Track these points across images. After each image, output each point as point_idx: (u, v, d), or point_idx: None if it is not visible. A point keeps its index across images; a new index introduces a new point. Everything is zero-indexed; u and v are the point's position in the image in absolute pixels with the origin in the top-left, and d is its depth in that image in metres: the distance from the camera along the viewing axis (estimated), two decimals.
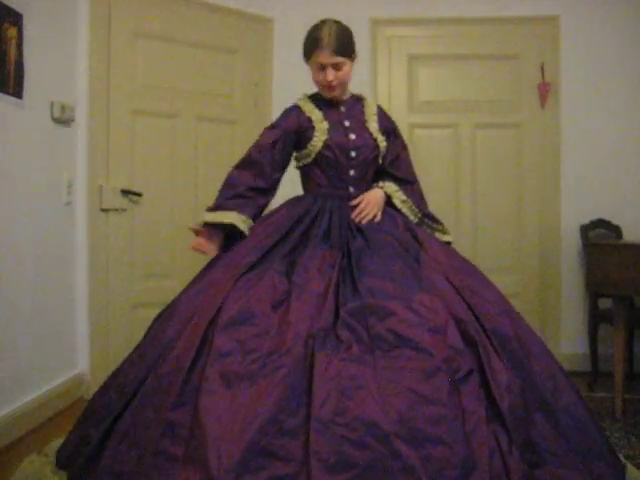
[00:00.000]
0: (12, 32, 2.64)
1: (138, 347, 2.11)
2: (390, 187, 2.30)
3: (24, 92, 2.74)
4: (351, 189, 2.26)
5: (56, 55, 3.06)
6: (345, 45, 2.23)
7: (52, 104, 2.99)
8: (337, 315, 1.84)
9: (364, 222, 2.16)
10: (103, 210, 3.29)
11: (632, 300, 3.59)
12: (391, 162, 2.37)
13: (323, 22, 2.27)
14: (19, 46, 2.69)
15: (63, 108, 3.03)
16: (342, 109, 2.33)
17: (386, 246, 2.07)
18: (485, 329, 1.88)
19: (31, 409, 2.78)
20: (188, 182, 3.58)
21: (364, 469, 1.55)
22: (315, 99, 2.33)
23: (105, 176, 3.30)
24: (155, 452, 1.67)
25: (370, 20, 3.96)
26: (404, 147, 2.44)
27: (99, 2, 3.25)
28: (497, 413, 1.71)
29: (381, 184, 2.31)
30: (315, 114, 2.27)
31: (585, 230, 3.79)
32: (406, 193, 2.32)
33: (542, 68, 3.90)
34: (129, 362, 2.07)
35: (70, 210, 3.20)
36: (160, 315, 2.16)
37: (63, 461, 2.03)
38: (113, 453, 1.77)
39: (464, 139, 4.00)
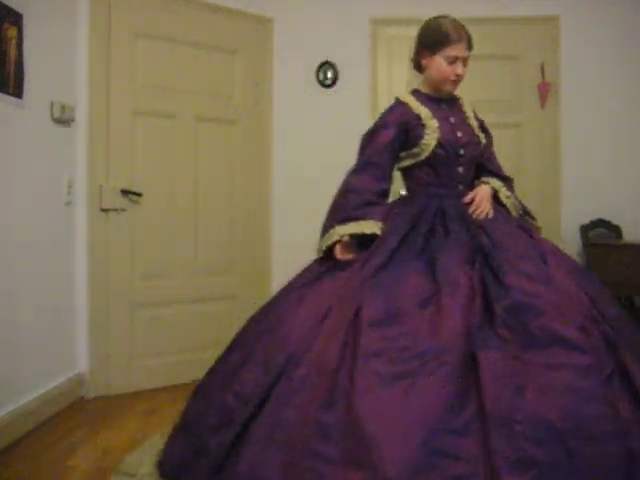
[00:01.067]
0: (12, 32, 2.64)
1: (239, 350, 2.05)
2: (495, 183, 2.30)
3: (24, 92, 2.74)
4: (460, 187, 2.24)
5: (56, 55, 3.06)
6: (471, 41, 2.23)
7: (52, 104, 2.99)
8: (487, 312, 1.81)
9: (481, 218, 2.14)
10: (103, 210, 3.29)
11: (632, 300, 3.59)
12: (487, 159, 2.37)
13: (445, 17, 2.24)
14: (19, 46, 2.69)
15: (63, 108, 3.03)
16: (443, 106, 2.28)
17: (512, 244, 2.05)
18: (614, 332, 1.86)
19: (31, 409, 2.78)
20: (188, 182, 3.58)
21: (546, 467, 1.53)
22: (417, 96, 2.28)
23: (105, 176, 3.30)
24: (307, 454, 1.62)
25: (370, 20, 3.95)
26: (493, 144, 2.44)
27: (99, 2, 3.25)
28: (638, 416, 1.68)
29: (484, 179, 2.31)
30: (423, 111, 2.22)
31: (585, 230, 3.79)
32: (509, 189, 2.33)
33: (542, 68, 3.90)
34: (235, 365, 1.99)
35: (70, 210, 3.20)
36: (260, 314, 2.15)
37: (170, 473, 1.97)
38: (253, 459, 1.70)
39: None
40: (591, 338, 1.77)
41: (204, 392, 2.09)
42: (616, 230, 3.80)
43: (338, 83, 3.96)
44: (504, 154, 3.96)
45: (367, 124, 3.89)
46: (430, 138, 2.17)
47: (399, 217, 2.14)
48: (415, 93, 2.29)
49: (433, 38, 2.21)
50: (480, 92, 4.00)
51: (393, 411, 1.61)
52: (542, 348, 1.73)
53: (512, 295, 1.83)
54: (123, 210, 3.35)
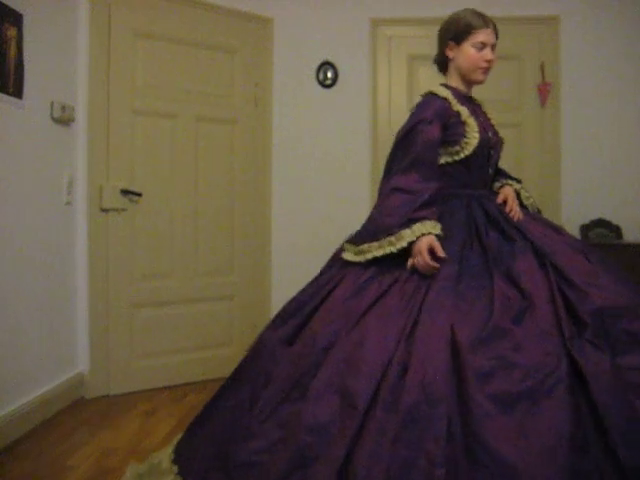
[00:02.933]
0: (12, 32, 2.64)
1: (275, 376, 1.85)
2: (515, 184, 2.27)
3: (24, 92, 2.74)
4: (488, 188, 2.21)
5: (56, 55, 3.06)
6: (497, 28, 2.16)
7: (52, 104, 2.99)
8: (573, 320, 1.75)
9: (515, 219, 2.08)
10: (103, 210, 3.29)
11: None
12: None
13: (467, 9, 2.18)
14: (19, 46, 2.69)
15: (63, 108, 3.04)
16: (472, 105, 2.21)
17: (557, 246, 1.98)
18: None
19: (31, 409, 2.78)
20: (188, 182, 3.58)
21: None
22: (451, 91, 2.16)
23: (105, 176, 3.30)
24: None
25: (370, 20, 3.95)
26: None
27: (99, 2, 3.25)
28: None
29: (504, 181, 2.28)
30: (460, 109, 2.12)
31: (585, 230, 3.79)
32: (526, 190, 2.29)
33: (542, 68, 3.90)
34: (277, 396, 1.80)
35: (70, 210, 3.20)
36: (291, 334, 1.94)
37: None
38: None
39: None
40: None
41: (241, 430, 1.82)
42: (616, 230, 3.80)
43: (338, 83, 3.96)
44: (504, 154, 3.99)
45: (367, 124, 3.94)
46: (471, 137, 2.09)
47: (447, 220, 2.02)
48: (449, 88, 2.18)
49: (459, 27, 2.14)
50: (480, 92, 3.99)
51: (523, 434, 1.52)
52: (627, 351, 1.70)
53: (593, 300, 1.77)
54: (123, 210, 3.35)
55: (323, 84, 3.96)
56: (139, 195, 3.36)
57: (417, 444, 1.54)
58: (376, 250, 1.95)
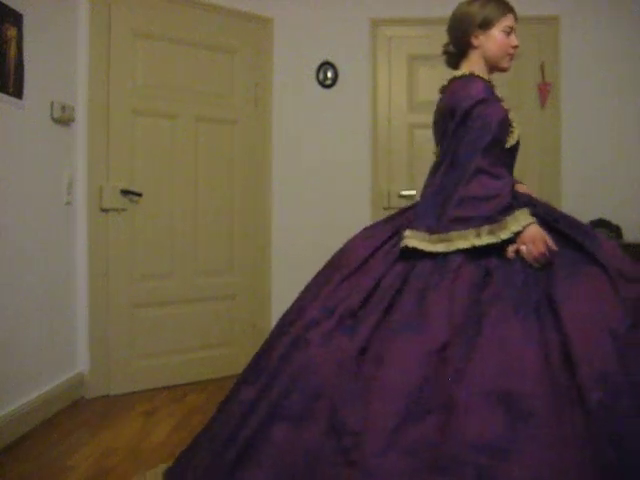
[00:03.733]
0: (12, 32, 2.64)
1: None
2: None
3: (24, 92, 2.74)
4: None
5: (56, 55, 3.06)
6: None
7: (52, 104, 2.99)
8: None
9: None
10: (103, 210, 3.29)
11: None
12: None
13: None
14: (19, 46, 2.69)
15: (63, 108, 3.04)
16: None
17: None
18: None
19: (31, 409, 2.78)
20: (188, 182, 3.58)
21: None
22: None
23: (105, 176, 3.30)
24: None
25: (370, 20, 3.95)
26: None
27: (99, 2, 3.25)
28: None
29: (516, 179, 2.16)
30: (499, 95, 1.99)
31: None
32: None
33: (542, 68, 3.90)
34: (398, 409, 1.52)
35: (70, 210, 3.20)
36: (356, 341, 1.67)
37: None
38: None
39: None
40: None
41: (338, 471, 1.50)
42: (616, 230, 3.80)
43: (338, 83, 3.96)
44: None
45: (367, 124, 3.94)
46: (515, 127, 1.97)
47: None
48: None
49: (486, 12, 2.02)
50: None
51: None
52: None
53: None
54: (123, 210, 3.35)
55: (323, 84, 3.96)
56: (139, 195, 3.36)
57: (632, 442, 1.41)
58: (474, 239, 1.74)
